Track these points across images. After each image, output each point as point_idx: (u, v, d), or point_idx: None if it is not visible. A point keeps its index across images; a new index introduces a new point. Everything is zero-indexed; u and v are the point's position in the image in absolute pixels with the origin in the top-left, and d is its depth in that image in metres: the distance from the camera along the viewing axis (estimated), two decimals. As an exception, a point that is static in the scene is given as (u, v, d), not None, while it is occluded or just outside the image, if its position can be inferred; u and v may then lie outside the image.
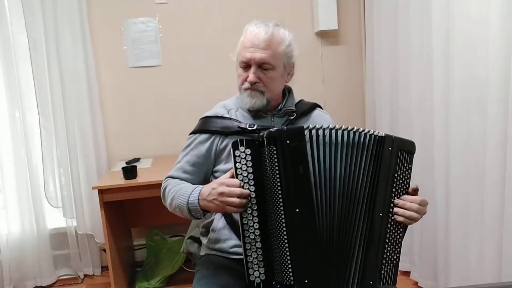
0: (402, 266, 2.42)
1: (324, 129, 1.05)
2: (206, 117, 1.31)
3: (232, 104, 1.33)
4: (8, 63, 2.46)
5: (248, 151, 1.00)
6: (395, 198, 1.07)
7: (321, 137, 1.04)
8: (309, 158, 1.01)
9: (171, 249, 2.60)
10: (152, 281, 2.48)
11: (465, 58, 1.75)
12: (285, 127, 1.03)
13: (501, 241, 1.66)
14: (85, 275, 2.72)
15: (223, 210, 1.06)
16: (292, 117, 1.28)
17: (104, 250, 2.56)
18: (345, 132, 1.06)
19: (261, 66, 1.21)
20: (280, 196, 0.99)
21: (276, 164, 0.99)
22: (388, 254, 1.04)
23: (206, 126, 1.28)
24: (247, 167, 1.01)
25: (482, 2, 1.64)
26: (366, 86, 2.81)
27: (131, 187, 2.11)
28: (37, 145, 2.56)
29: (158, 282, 2.48)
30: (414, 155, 1.11)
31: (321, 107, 1.42)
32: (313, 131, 1.03)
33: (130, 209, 2.62)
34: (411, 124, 2.18)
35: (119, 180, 2.15)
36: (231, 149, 1.01)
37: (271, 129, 1.02)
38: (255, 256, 1.00)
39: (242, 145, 1.00)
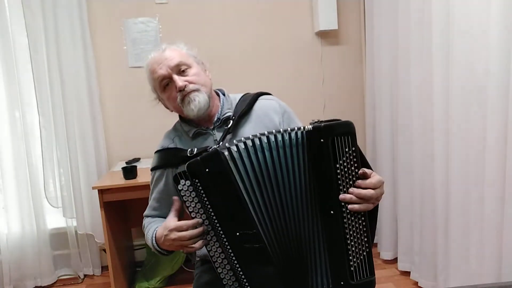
0: (402, 266, 2.42)
1: (245, 141, 0.97)
2: (156, 151, 1.31)
3: (174, 132, 1.32)
4: (8, 63, 2.46)
5: (188, 183, 0.98)
6: (344, 189, 0.99)
7: (244, 151, 0.97)
8: (237, 177, 0.97)
9: (171, 249, 2.60)
10: (152, 281, 2.48)
11: (465, 58, 1.75)
12: (199, 158, 0.97)
13: (501, 241, 1.66)
14: (85, 275, 2.72)
15: (184, 250, 1.07)
16: (228, 126, 1.21)
17: (104, 250, 2.57)
18: (271, 136, 0.98)
19: (179, 70, 1.21)
20: (217, 224, 0.98)
21: (204, 195, 0.97)
22: (353, 249, 0.99)
23: (157, 162, 1.29)
24: (193, 197, 0.98)
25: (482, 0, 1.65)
26: (366, 86, 2.80)
27: (131, 187, 2.11)
28: (37, 145, 2.56)
29: (158, 282, 2.48)
30: (356, 134, 1.03)
31: (268, 93, 1.34)
32: (233, 148, 0.97)
33: (130, 209, 2.62)
34: (412, 124, 2.18)
35: (119, 180, 2.16)
36: (174, 185, 0.99)
37: (189, 162, 0.97)
38: (228, 278, 1.00)
39: (181, 178, 0.97)
